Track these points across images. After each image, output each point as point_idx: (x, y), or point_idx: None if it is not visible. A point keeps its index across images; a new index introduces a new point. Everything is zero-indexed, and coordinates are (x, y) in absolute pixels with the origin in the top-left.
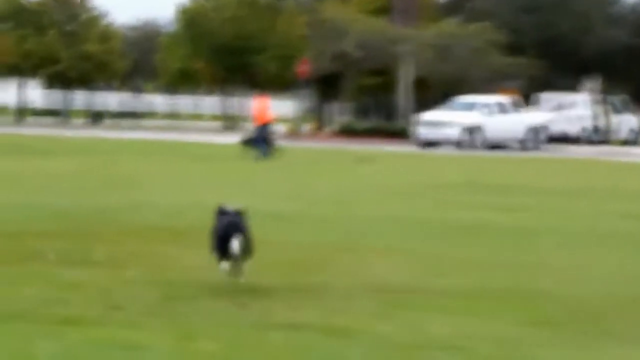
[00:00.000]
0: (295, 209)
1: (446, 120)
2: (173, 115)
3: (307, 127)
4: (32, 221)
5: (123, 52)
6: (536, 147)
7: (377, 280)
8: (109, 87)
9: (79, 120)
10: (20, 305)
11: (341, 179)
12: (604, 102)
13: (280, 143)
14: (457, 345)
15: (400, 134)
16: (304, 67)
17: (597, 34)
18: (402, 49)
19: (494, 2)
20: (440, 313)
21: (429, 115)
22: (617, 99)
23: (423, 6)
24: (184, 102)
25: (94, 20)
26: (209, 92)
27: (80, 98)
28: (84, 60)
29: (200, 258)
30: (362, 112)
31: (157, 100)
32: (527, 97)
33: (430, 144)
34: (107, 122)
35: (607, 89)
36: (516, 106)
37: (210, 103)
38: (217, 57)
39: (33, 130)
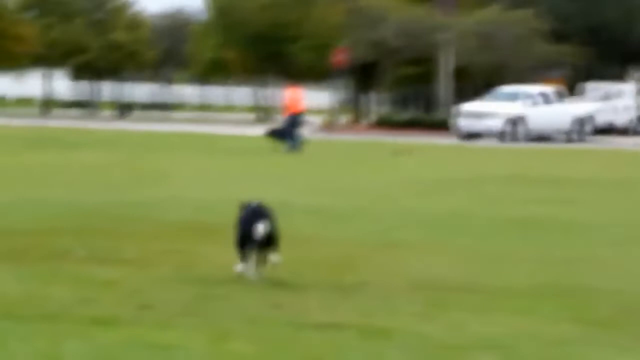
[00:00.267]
0: (332, 204)
1: (488, 111)
2: (204, 107)
3: (343, 119)
4: (60, 217)
5: (152, 42)
6: (581, 139)
7: (417, 278)
8: (137, 78)
9: (107, 112)
10: (50, 304)
11: (379, 172)
12: None
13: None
14: (501, 345)
15: (441, 126)
16: (340, 57)
17: None
18: (442, 37)
19: None
20: (484, 312)
21: (470, 106)
22: None
23: None
24: (215, 93)
25: (122, 8)
26: (241, 82)
27: (108, 89)
28: (112, 50)
29: (233, 255)
30: (400, 103)
31: (188, 92)
32: (572, 86)
33: (471, 135)
34: (136, 114)
35: None
36: (561, 96)
37: (242, 94)
38: (250, 47)
39: (59, 122)
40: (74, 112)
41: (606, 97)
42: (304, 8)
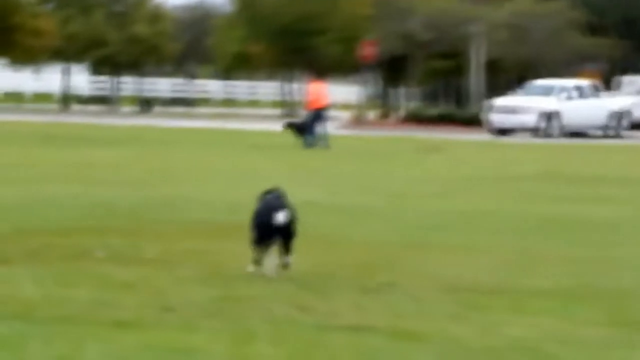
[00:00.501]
0: (360, 202)
1: (521, 105)
2: (228, 102)
3: (371, 114)
4: (80, 216)
5: (174, 35)
6: (618, 134)
7: (449, 280)
8: (159, 72)
9: (128, 108)
10: (70, 306)
11: (407, 170)
12: None
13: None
14: (535, 348)
15: (472, 121)
16: (368, 50)
17: None
18: (474, 29)
19: None
20: (516, 313)
21: (502, 101)
22: None
23: None
24: (240, 88)
25: (143, 0)
26: (267, 77)
27: (128, 84)
28: (133, 44)
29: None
30: (430, 97)
31: (211, 86)
32: (607, 80)
33: (503, 131)
34: (158, 109)
35: None
36: (596, 90)
37: (267, 89)
38: (276, 40)
39: (79, 118)
40: (93, 108)
41: None
42: (331, 0)
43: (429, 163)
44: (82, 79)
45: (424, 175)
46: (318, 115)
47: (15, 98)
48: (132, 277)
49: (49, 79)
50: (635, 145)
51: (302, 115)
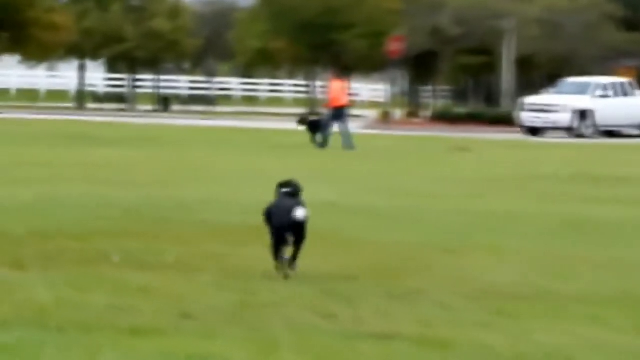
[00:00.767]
0: (386, 204)
1: (555, 104)
2: (250, 100)
3: (398, 112)
4: (95, 218)
5: (194, 30)
6: None
7: (479, 285)
8: (178, 69)
9: (146, 106)
10: (85, 313)
11: (435, 170)
12: None
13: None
14: (568, 356)
15: (503, 120)
16: (396, 46)
17: None
18: (505, 24)
19: None
20: (548, 320)
21: (534, 99)
22: None
23: None
24: (263, 85)
25: None
26: (291, 74)
27: (147, 82)
28: (151, 39)
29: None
30: (459, 95)
31: (233, 84)
32: None
33: (535, 130)
34: (177, 108)
35: None
36: (632, 88)
37: (290, 86)
38: (299, 35)
39: (96, 117)
40: (110, 105)
41: None
42: None
43: (457, 163)
44: (98, 76)
45: (452, 175)
46: (338, 114)
47: (29, 96)
48: (150, 283)
49: (64, 76)
50: None
51: (322, 113)
